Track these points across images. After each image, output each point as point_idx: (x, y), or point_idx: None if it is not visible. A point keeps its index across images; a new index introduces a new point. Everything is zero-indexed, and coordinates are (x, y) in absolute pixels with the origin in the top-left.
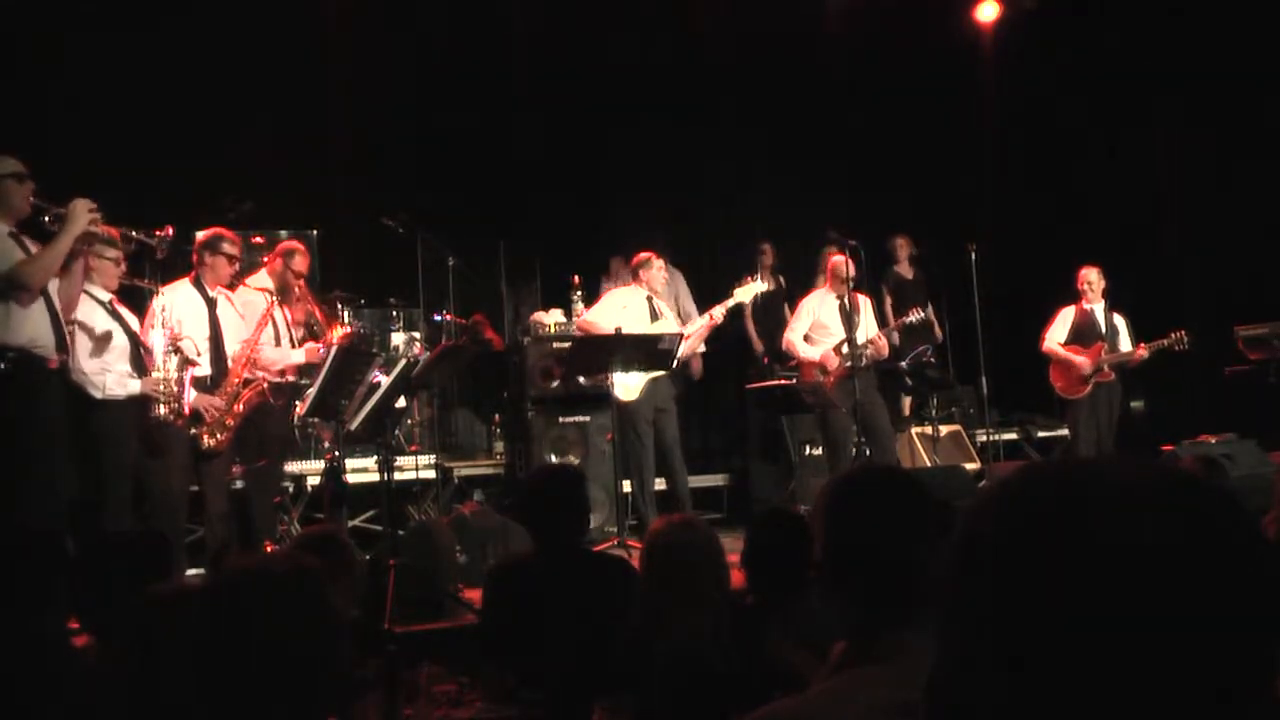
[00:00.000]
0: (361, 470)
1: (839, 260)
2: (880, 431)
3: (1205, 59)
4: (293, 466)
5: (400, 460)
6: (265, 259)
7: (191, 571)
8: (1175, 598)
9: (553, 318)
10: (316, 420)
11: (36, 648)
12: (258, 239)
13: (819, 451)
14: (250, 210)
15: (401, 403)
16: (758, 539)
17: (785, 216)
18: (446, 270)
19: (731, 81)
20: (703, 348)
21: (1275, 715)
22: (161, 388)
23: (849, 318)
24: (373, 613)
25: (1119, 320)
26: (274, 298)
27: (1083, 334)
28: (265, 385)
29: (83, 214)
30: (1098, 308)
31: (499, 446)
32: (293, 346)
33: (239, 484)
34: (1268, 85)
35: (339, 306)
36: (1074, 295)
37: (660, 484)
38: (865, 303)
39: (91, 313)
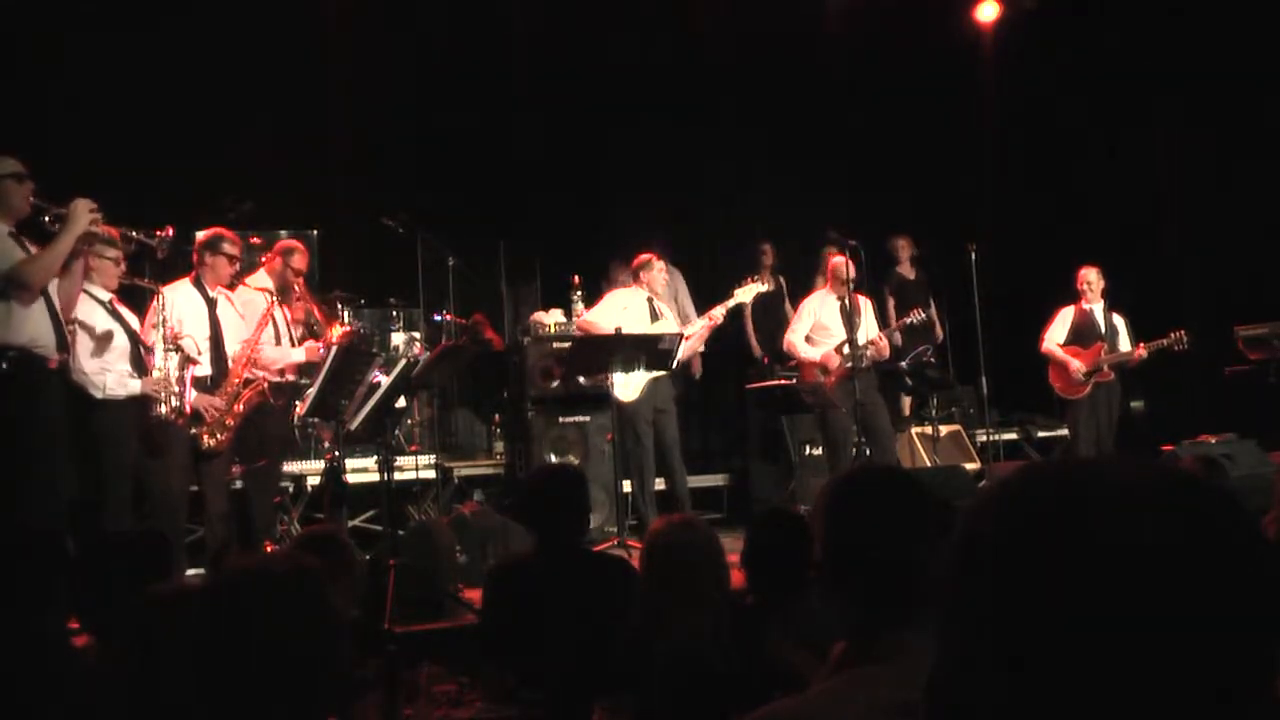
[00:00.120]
0: (361, 470)
1: (839, 261)
2: (880, 432)
3: (1205, 59)
4: (293, 466)
5: (400, 460)
6: (264, 258)
7: (191, 571)
8: (1175, 598)
9: (553, 318)
10: (316, 420)
11: (36, 648)
12: (255, 239)
13: (819, 451)
14: (250, 210)
15: (401, 403)
16: (758, 539)
17: (785, 216)
18: (446, 270)
19: (731, 81)
20: (701, 348)
21: (1275, 715)
22: (162, 387)
23: (850, 318)
24: (373, 613)
25: (1118, 320)
26: (274, 297)
27: (1082, 334)
28: (265, 385)
29: (84, 214)
30: (1097, 308)
31: (499, 446)
32: (292, 345)
33: (238, 484)
34: (1268, 85)
35: (339, 306)
36: (1073, 295)
37: (660, 484)
38: (866, 303)
39: (92, 312)
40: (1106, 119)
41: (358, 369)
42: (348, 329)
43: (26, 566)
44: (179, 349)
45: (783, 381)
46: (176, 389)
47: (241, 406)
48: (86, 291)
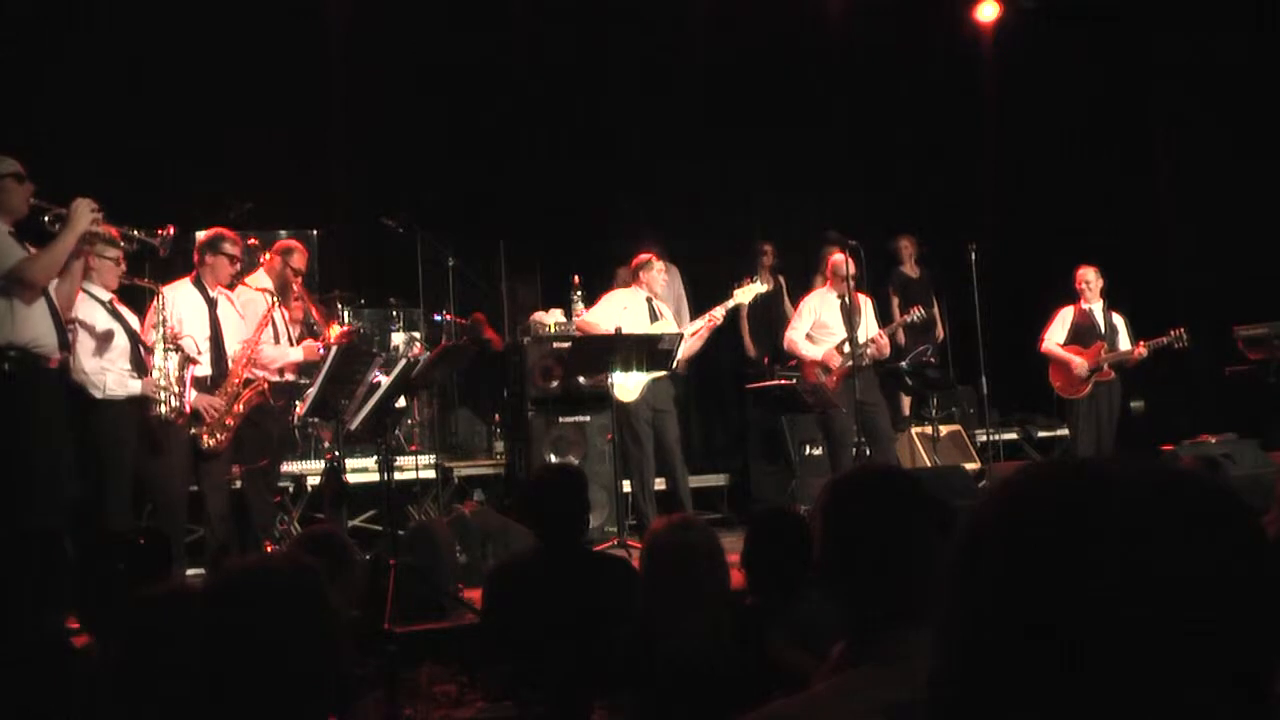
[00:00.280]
0: (361, 470)
1: (839, 259)
2: (880, 431)
3: (1205, 59)
4: (293, 466)
5: (400, 460)
6: (264, 258)
7: (191, 571)
8: (1177, 597)
9: (553, 318)
10: (316, 420)
11: (37, 648)
12: (254, 240)
13: (819, 451)
14: (250, 210)
15: (401, 403)
16: (758, 539)
17: (785, 216)
18: (446, 270)
19: (733, 81)
20: (700, 346)
21: (1276, 715)
22: (162, 387)
23: (850, 317)
24: (373, 613)
25: (1118, 319)
26: (274, 298)
27: (1082, 334)
28: (265, 386)
29: (85, 213)
30: (1096, 307)
31: (499, 446)
32: (291, 345)
33: (238, 484)
34: (1268, 85)
35: (339, 306)
36: (1072, 295)
37: (660, 484)
38: (866, 302)
39: (92, 312)
40: (1106, 119)
41: (358, 369)
42: (346, 329)
43: (26, 566)
44: (179, 349)
45: (783, 381)
46: (176, 389)
47: (241, 407)
48: (86, 291)
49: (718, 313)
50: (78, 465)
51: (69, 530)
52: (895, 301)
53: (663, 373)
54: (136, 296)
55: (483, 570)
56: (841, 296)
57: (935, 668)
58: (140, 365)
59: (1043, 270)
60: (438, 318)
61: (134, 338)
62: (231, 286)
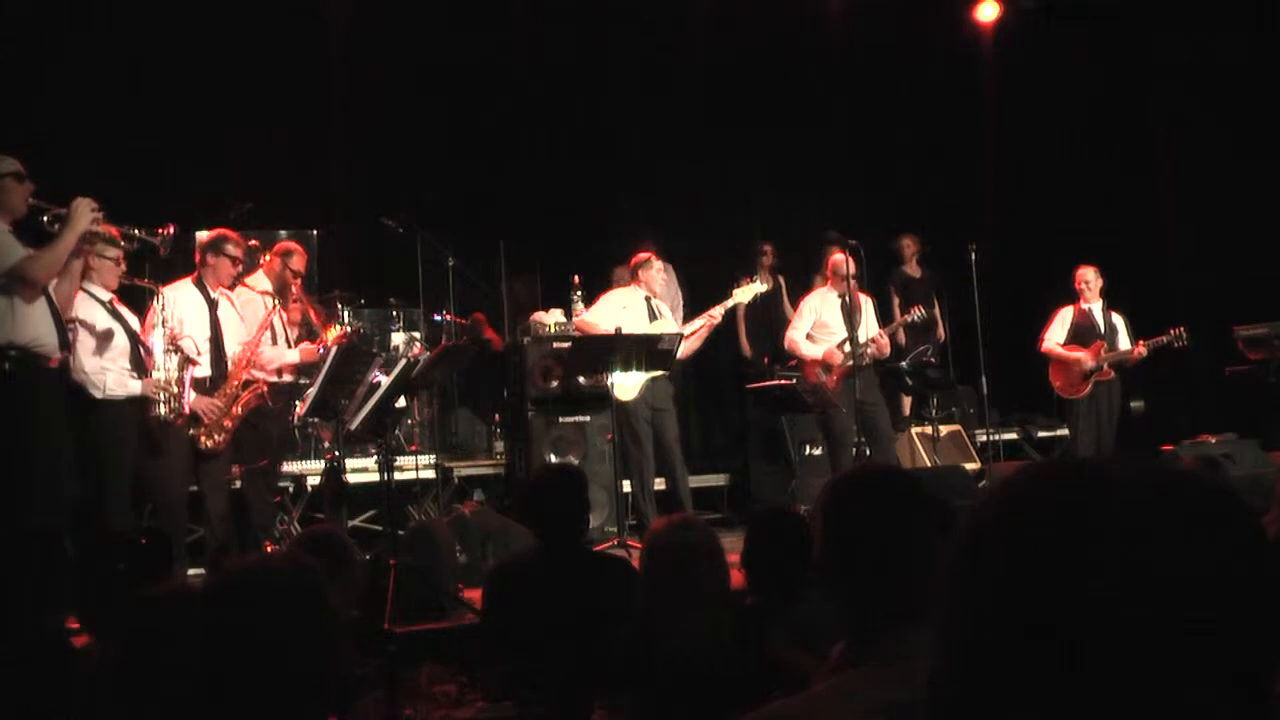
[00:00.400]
0: (361, 470)
1: (839, 259)
2: (880, 431)
3: (1205, 59)
4: (293, 466)
5: (400, 460)
6: (263, 259)
7: (192, 571)
8: (1177, 597)
9: (553, 318)
10: (316, 420)
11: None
12: (253, 242)
13: (819, 451)
14: (250, 210)
15: (401, 403)
16: (758, 539)
17: (785, 216)
18: (446, 270)
19: (733, 81)
20: (699, 345)
21: (1276, 715)
22: (161, 388)
23: (850, 316)
24: (373, 613)
25: (1117, 319)
26: (276, 301)
27: (1081, 334)
28: (264, 389)
29: (86, 213)
30: (1095, 307)
31: (499, 446)
32: (289, 347)
33: (237, 484)
34: (1268, 85)
35: (339, 306)
36: (1072, 295)
37: (660, 484)
38: (866, 301)
39: (92, 312)
40: (1106, 119)
41: (358, 369)
42: (343, 331)
43: (26, 566)
44: (179, 349)
45: (783, 381)
46: (176, 389)
47: (239, 409)
48: (86, 291)
49: (716, 312)
50: (78, 465)
51: (69, 530)
52: (896, 301)
53: (662, 372)
54: (137, 296)
55: (483, 570)
56: (842, 296)
57: (935, 668)
58: (140, 365)
59: (1043, 270)
60: (438, 318)
61: (134, 338)
62: (231, 287)
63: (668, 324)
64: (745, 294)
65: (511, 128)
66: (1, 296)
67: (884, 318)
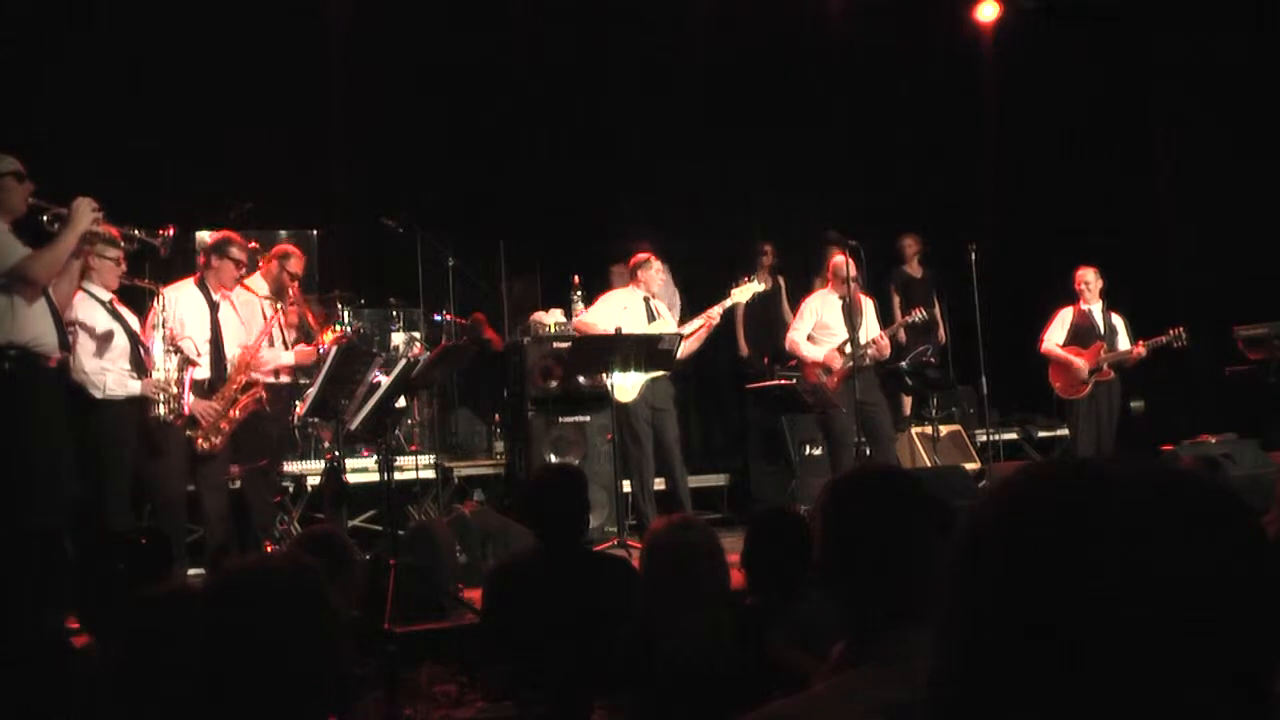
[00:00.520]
0: (361, 470)
1: (840, 261)
2: (881, 431)
3: (1205, 59)
4: (293, 466)
5: (400, 460)
6: (260, 262)
7: (191, 572)
8: (1177, 597)
9: (553, 318)
10: (316, 420)
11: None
12: (253, 244)
13: (819, 451)
14: (250, 210)
15: (401, 403)
16: (758, 539)
17: (785, 216)
18: (446, 270)
19: (733, 81)
20: (697, 346)
21: (1276, 715)
22: (161, 388)
23: (851, 318)
24: (373, 613)
25: (1117, 320)
26: (278, 306)
27: (1081, 334)
28: (262, 394)
29: (86, 212)
30: (1095, 307)
31: (499, 446)
32: (285, 349)
33: (235, 485)
34: (1268, 85)
35: (339, 306)
36: (1072, 296)
37: (660, 484)
38: (868, 303)
39: (92, 312)
40: (1106, 119)
41: (358, 369)
42: (340, 333)
43: (26, 566)
44: (178, 350)
45: (783, 382)
46: (175, 390)
47: (237, 412)
48: (87, 291)
49: (715, 312)
50: (78, 465)
51: (69, 530)
52: (896, 300)
53: (662, 372)
54: (137, 297)
55: (483, 570)
56: (843, 298)
57: (935, 668)
58: (140, 366)
59: (1043, 270)
60: (438, 318)
61: (134, 338)
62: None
63: (667, 324)
64: (743, 294)
65: (511, 128)
66: (1, 296)
67: (885, 317)
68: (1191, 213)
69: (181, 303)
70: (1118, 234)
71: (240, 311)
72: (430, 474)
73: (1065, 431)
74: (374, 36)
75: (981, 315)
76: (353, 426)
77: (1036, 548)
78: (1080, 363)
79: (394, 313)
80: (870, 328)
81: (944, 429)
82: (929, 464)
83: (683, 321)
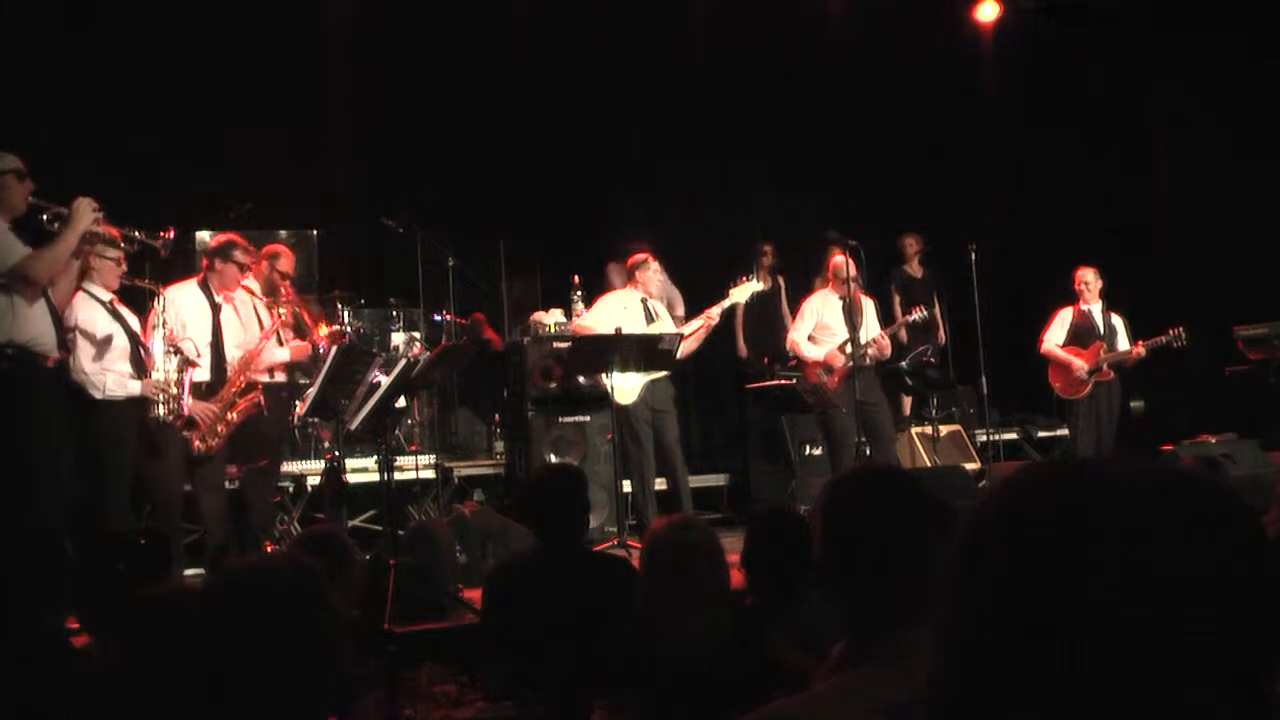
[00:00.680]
0: (361, 470)
1: (839, 261)
2: (881, 431)
3: (1205, 59)
4: (293, 466)
5: (400, 460)
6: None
7: (191, 572)
8: (1177, 597)
9: (553, 318)
10: (316, 420)
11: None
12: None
13: (819, 451)
14: (250, 210)
15: (401, 403)
16: (758, 539)
17: (785, 216)
18: (446, 270)
19: (733, 81)
20: (696, 346)
21: (1276, 715)
22: (161, 389)
23: (851, 317)
24: (373, 613)
25: (1116, 320)
26: (279, 313)
27: (1081, 334)
28: (261, 398)
29: (87, 212)
30: (1095, 308)
31: (499, 446)
32: (280, 345)
33: (232, 485)
34: (1268, 85)
35: (339, 306)
36: (1072, 296)
37: (660, 484)
38: (868, 303)
39: (92, 312)
40: (1107, 119)
41: (358, 369)
42: (334, 329)
43: (26, 566)
44: (178, 351)
45: (783, 381)
46: (175, 391)
47: (235, 415)
48: (87, 291)
49: (714, 312)
50: (78, 465)
51: (69, 530)
52: (897, 300)
53: (661, 373)
54: (138, 297)
55: (483, 570)
56: (843, 298)
57: (935, 668)
58: (140, 366)
59: (1043, 270)
60: (438, 318)
61: (134, 338)
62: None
63: (666, 325)
64: (742, 293)
65: (511, 128)
66: (1, 295)
67: (885, 317)
68: (1191, 213)
69: (183, 304)
70: (1118, 234)
71: (240, 313)
72: (430, 474)
73: (1065, 431)
74: (374, 36)
75: (981, 315)
76: (353, 426)
77: (1036, 548)
78: (1079, 363)
79: (394, 313)
80: (871, 327)
81: (944, 429)
82: (929, 464)
83: (684, 321)
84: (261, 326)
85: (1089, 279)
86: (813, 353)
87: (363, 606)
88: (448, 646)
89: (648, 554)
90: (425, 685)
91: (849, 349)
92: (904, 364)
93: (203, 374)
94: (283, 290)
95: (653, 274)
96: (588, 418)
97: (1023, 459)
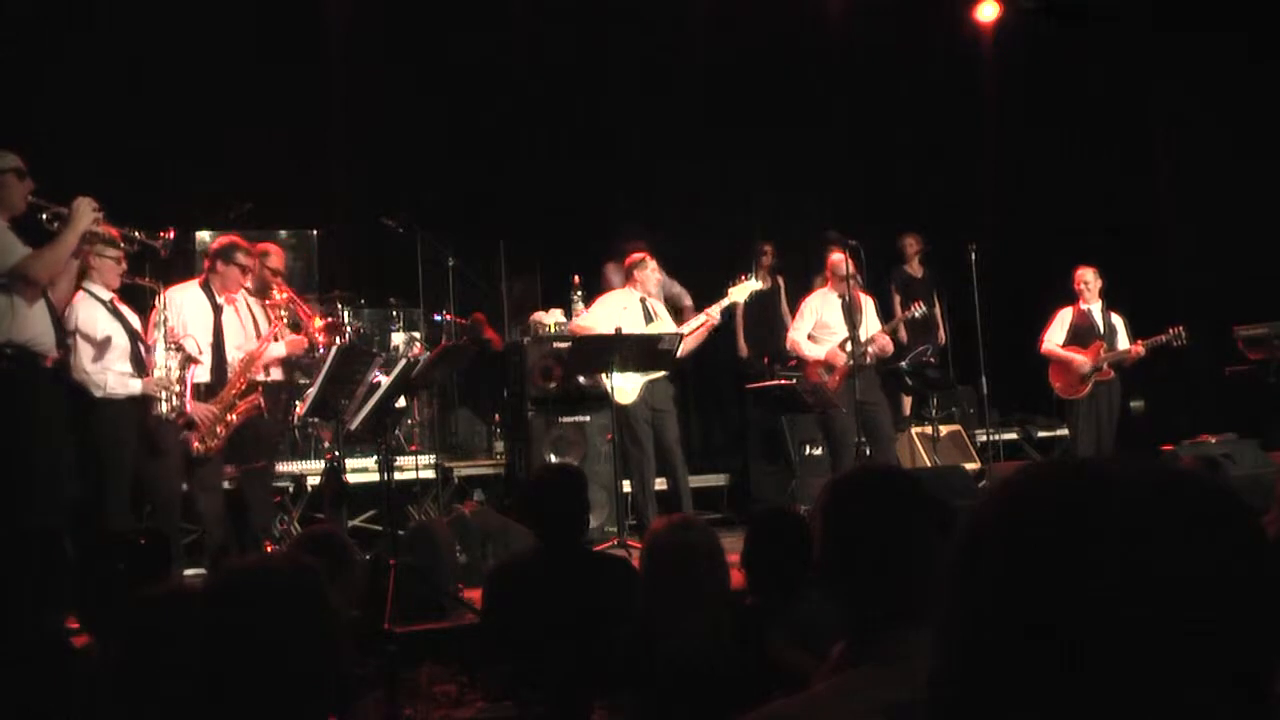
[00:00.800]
0: (361, 470)
1: (838, 258)
2: (881, 431)
3: (1205, 59)
4: (293, 466)
5: (400, 460)
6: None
7: (191, 572)
8: (1177, 597)
9: (553, 318)
10: (316, 420)
11: (37, 648)
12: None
13: (819, 451)
14: (250, 210)
15: (401, 403)
16: (758, 539)
17: (785, 216)
18: (446, 270)
19: (733, 81)
20: (695, 345)
21: (1276, 715)
22: (163, 386)
23: (851, 316)
24: (373, 613)
25: (1116, 320)
26: (281, 315)
27: (1081, 334)
28: (261, 401)
29: (87, 212)
30: (1095, 307)
31: (499, 446)
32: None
33: (229, 485)
34: (1268, 85)
35: (339, 306)
36: (1072, 296)
37: (660, 484)
38: (867, 301)
39: (93, 312)
40: (1107, 119)
41: (358, 369)
42: (329, 320)
43: (26, 566)
44: (180, 348)
45: (783, 381)
46: (177, 388)
47: (235, 417)
48: (87, 290)
49: (714, 311)
50: (78, 465)
51: (69, 530)
52: (897, 300)
53: (661, 373)
54: (139, 295)
55: (483, 570)
56: (842, 296)
57: (935, 668)
58: (140, 365)
59: (1043, 270)
60: (438, 318)
61: (134, 337)
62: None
63: (665, 324)
64: (741, 292)
65: (511, 128)
66: (1, 295)
67: (885, 318)
68: (1191, 213)
69: (185, 305)
70: (1118, 234)
71: (241, 315)
72: (430, 474)
73: (1065, 431)
74: (374, 36)
75: (981, 315)
76: (353, 426)
77: (1036, 548)
78: (1082, 358)
79: (394, 313)
80: (870, 325)
81: (944, 429)
82: (929, 464)
83: (694, 313)
84: (259, 331)
85: (1089, 279)
86: (813, 352)
87: (363, 606)
88: (448, 646)
89: (648, 554)
90: (425, 685)
91: (849, 347)
92: (904, 364)
93: (203, 375)
94: (274, 287)
95: (650, 273)
96: (588, 418)
97: (1023, 459)
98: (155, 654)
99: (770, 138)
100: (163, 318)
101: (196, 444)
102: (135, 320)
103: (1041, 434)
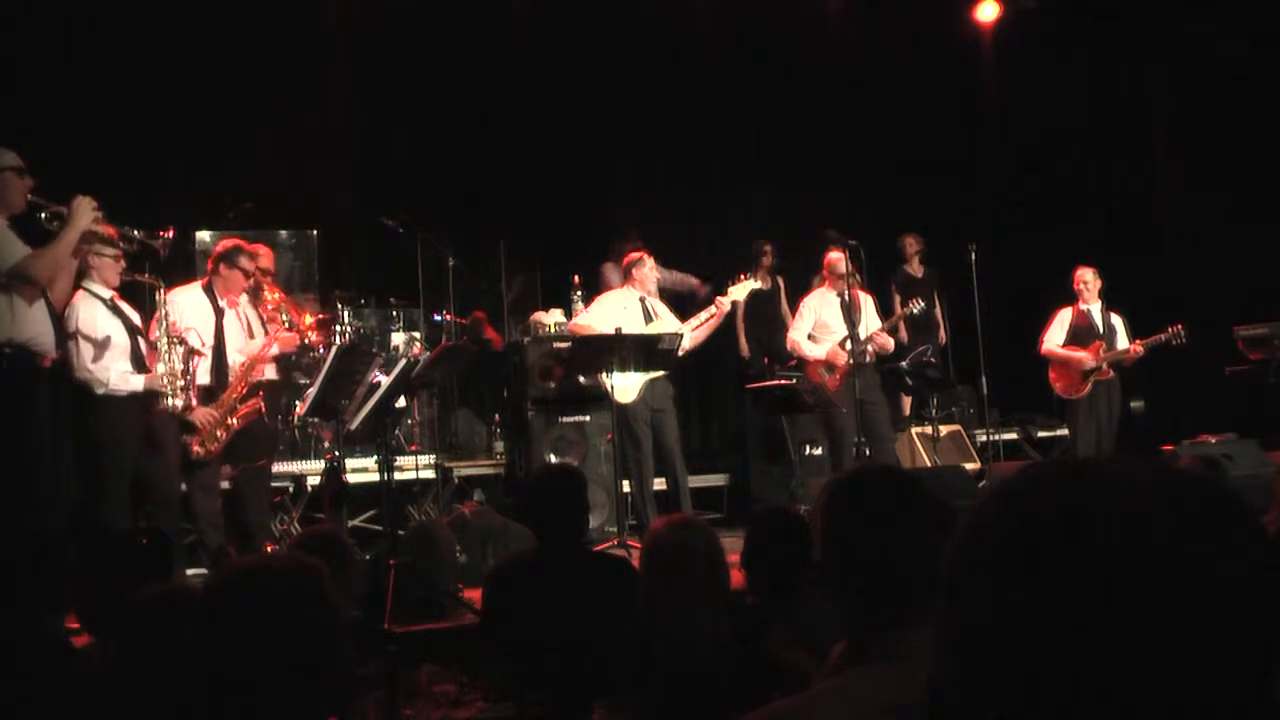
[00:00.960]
0: (361, 470)
1: (835, 257)
2: (880, 431)
3: (1205, 57)
4: (293, 466)
5: (400, 460)
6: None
7: (191, 571)
8: (1178, 598)
9: (553, 318)
10: (316, 420)
11: (37, 648)
12: None
13: (819, 451)
14: (250, 210)
15: (401, 403)
16: (758, 539)
17: (785, 216)
18: (446, 270)
19: (731, 81)
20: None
21: (1276, 716)
22: (166, 381)
23: (850, 314)
24: (373, 613)
25: (1116, 320)
26: (283, 319)
27: (1080, 334)
28: (261, 405)
29: (86, 211)
30: (1094, 307)
31: (499, 446)
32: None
33: (225, 485)
34: (1267, 83)
35: (339, 306)
36: (1072, 296)
37: (660, 484)
38: (867, 300)
39: (93, 310)
40: (1107, 119)
41: (358, 369)
42: (320, 317)
43: (26, 566)
44: (183, 341)
45: (783, 381)
46: (182, 382)
47: (235, 420)
48: (87, 289)
49: (724, 301)
50: (78, 465)
51: (69, 530)
52: (897, 299)
53: (661, 372)
54: (140, 293)
55: (483, 570)
56: (840, 295)
57: (935, 668)
58: (141, 362)
59: (1043, 270)
60: (438, 318)
61: (135, 335)
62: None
63: (665, 324)
64: (740, 291)
65: (512, 128)
66: (1, 295)
67: (886, 318)
68: (1191, 213)
69: (187, 307)
70: (1118, 234)
71: (242, 318)
72: (430, 474)
73: (1065, 431)
74: (374, 36)
75: (981, 315)
76: (353, 426)
77: (1036, 549)
78: (1083, 355)
79: (394, 313)
80: (870, 324)
81: (944, 429)
82: (929, 464)
83: (706, 285)
84: (253, 333)
85: (1088, 279)
86: (814, 351)
87: (363, 606)
88: (448, 646)
89: (648, 554)
90: (425, 685)
91: (849, 346)
92: (904, 364)
93: (204, 378)
94: (265, 288)
95: (649, 271)
96: (588, 418)
97: (1023, 459)
98: (155, 654)
99: (770, 137)
100: (164, 312)
101: (196, 447)
102: (136, 317)
103: (1041, 434)
